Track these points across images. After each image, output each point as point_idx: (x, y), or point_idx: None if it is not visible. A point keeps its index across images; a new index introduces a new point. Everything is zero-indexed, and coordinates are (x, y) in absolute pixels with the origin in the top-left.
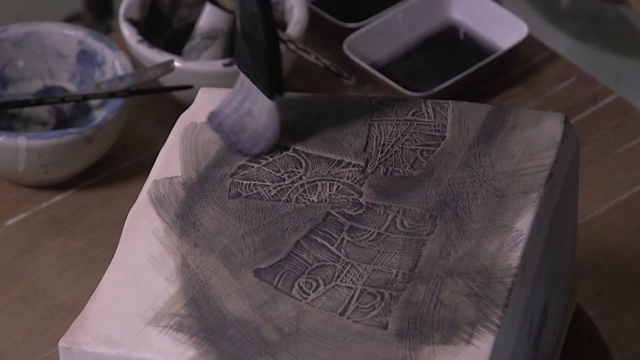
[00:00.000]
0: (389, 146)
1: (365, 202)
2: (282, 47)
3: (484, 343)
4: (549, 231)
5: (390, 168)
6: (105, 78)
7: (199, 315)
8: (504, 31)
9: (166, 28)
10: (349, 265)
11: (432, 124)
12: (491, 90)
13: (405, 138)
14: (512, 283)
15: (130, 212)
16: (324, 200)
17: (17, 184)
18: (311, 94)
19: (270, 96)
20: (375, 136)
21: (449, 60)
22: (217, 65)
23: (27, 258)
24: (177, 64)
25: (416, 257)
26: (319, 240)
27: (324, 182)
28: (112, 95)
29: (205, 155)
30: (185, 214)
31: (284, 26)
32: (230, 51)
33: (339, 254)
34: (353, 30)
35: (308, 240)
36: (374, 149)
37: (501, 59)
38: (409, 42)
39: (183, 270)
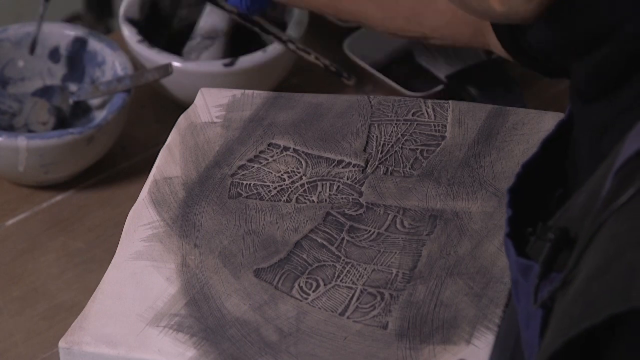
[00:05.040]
0: (389, 146)
1: (365, 202)
2: (282, 47)
3: (484, 343)
4: None
5: (390, 168)
6: (105, 78)
7: (199, 315)
8: None
9: (166, 28)
10: (349, 265)
11: (432, 124)
12: None
13: (405, 138)
14: None
15: (130, 212)
16: (324, 200)
17: (17, 184)
18: (311, 94)
19: None
20: (375, 136)
21: (449, 60)
22: (217, 65)
23: (27, 258)
24: (177, 64)
25: (416, 257)
26: (319, 240)
27: (324, 182)
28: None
29: (205, 155)
30: (185, 214)
31: (284, 26)
32: (230, 51)
33: (339, 254)
34: (353, 30)
35: (308, 240)
36: (374, 149)
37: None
38: (409, 42)
39: (183, 270)
